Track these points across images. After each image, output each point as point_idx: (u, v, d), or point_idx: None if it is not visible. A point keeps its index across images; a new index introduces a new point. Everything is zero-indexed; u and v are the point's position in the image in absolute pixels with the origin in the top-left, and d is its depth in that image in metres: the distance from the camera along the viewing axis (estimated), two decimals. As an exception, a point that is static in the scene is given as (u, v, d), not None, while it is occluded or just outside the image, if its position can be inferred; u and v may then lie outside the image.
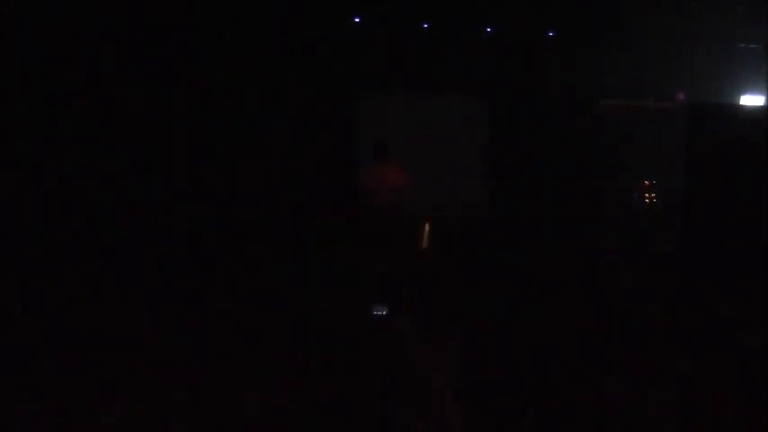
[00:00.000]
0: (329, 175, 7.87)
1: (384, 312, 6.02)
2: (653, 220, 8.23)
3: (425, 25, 8.31)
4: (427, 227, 7.10)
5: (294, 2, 7.78)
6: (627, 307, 6.42)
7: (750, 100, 8.50)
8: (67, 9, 7.00)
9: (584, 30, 8.24)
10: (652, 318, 6.12)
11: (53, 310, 5.62)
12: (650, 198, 8.36)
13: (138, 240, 6.96)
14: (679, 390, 4.43)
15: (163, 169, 7.35)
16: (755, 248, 6.65)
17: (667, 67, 8.29)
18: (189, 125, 7.51)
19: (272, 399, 4.26)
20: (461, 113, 8.48)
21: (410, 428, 3.95)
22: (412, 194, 6.87)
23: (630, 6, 7.76)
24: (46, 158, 6.83)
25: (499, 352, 4.92)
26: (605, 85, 8.38)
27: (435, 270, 6.68)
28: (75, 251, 6.59)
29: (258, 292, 6.50)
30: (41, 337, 5.09)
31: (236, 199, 7.62)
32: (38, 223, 6.64)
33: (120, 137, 7.19)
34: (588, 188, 8.22)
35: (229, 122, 7.69)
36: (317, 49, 7.95)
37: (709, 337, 5.61)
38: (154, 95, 7.38)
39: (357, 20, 8.17)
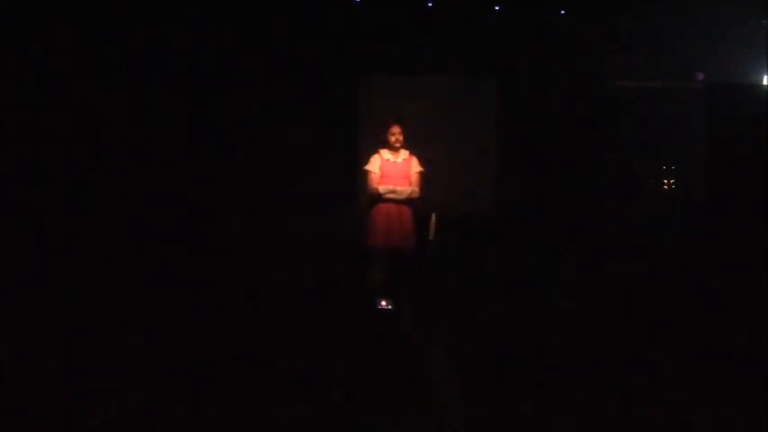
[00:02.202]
0: (330, 161, 7.73)
1: (389, 306, 5.92)
2: (671, 206, 8.01)
3: (430, 4, 8.09)
4: (434, 218, 6.94)
5: None
6: (644, 298, 6.28)
7: (772, 80, 8.20)
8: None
9: (596, 6, 7.95)
10: (672, 308, 5.97)
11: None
12: (668, 184, 8.14)
13: (137, 234, 6.93)
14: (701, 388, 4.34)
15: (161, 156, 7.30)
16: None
17: (685, 45, 7.96)
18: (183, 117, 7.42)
19: (270, 396, 4.19)
20: (467, 96, 8.22)
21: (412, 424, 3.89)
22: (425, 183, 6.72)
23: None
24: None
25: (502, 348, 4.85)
26: (619, 66, 8.09)
27: (441, 263, 6.56)
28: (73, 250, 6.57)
29: (259, 284, 6.45)
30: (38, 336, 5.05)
31: (234, 186, 7.53)
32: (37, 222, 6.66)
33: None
34: (602, 174, 8.02)
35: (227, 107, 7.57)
36: (316, 28, 7.74)
37: (732, 326, 5.45)
38: (152, 76, 7.31)
39: None
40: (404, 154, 6.71)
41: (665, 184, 8.10)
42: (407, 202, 6.61)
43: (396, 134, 6.64)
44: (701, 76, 8.07)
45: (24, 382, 4.26)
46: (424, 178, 6.71)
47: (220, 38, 7.58)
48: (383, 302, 5.83)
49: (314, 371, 4.53)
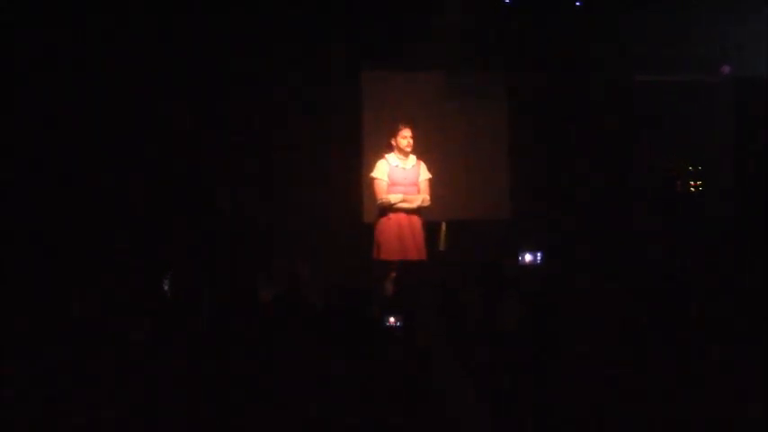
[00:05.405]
0: (331, 166, 7.45)
1: (398, 323, 5.67)
2: (698, 207, 7.73)
3: None
4: (444, 227, 6.63)
5: None
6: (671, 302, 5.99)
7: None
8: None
9: None
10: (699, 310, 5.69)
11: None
12: (695, 185, 7.83)
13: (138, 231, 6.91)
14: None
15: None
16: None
17: (711, 37, 7.59)
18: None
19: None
20: (477, 93, 7.72)
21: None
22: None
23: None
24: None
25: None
26: (639, 59, 7.71)
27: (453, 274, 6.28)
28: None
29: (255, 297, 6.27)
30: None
31: (232, 193, 7.37)
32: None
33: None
34: (625, 175, 7.71)
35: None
36: (314, 20, 7.41)
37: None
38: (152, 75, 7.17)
39: None
40: (412, 159, 6.39)
41: (691, 185, 7.79)
42: (417, 211, 6.29)
43: (407, 138, 6.31)
44: (726, 69, 7.74)
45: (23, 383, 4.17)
46: (433, 185, 6.40)
47: (219, 35, 7.35)
48: (391, 319, 5.58)
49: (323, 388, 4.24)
